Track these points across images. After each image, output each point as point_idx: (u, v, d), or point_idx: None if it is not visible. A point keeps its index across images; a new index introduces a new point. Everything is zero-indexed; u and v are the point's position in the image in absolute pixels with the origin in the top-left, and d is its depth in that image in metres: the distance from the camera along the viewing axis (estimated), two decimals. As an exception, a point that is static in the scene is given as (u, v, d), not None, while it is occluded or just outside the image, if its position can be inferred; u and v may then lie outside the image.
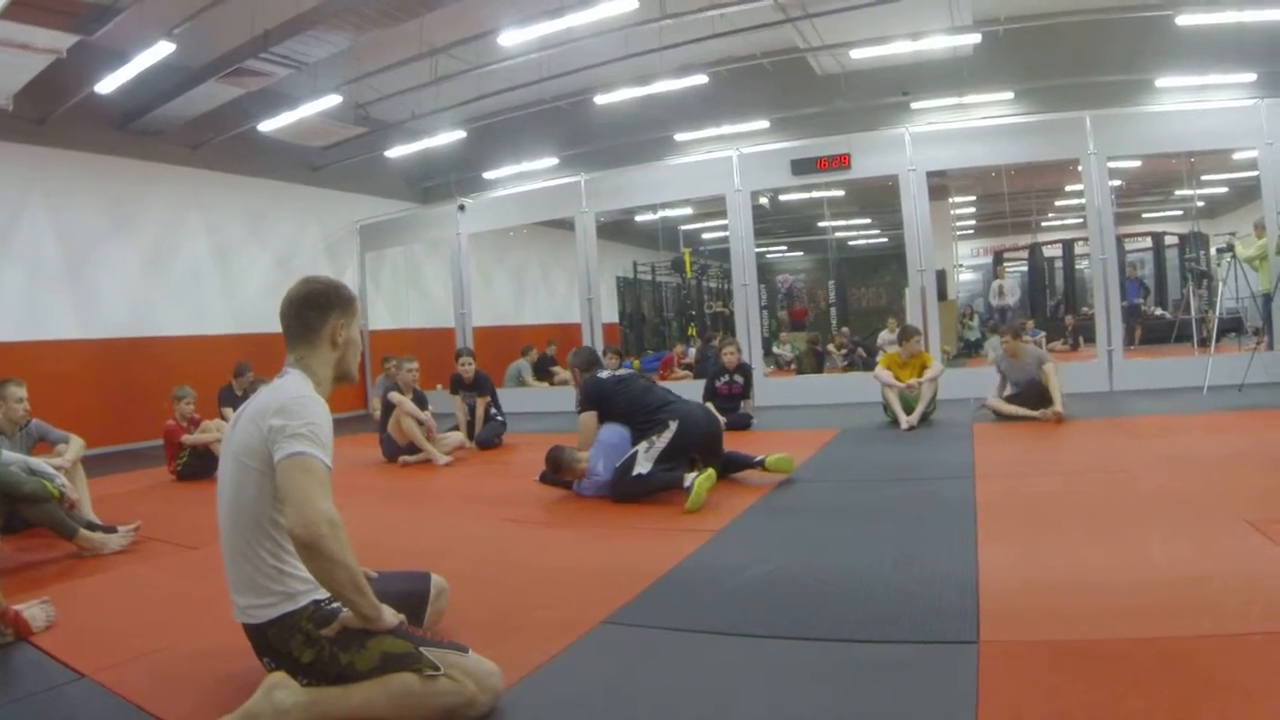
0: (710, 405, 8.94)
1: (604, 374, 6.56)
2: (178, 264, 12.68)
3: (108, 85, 10.14)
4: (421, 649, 2.48)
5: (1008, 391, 8.58)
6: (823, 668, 2.76)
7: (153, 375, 11.31)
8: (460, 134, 14.39)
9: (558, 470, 6.21)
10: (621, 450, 5.87)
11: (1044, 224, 19.66)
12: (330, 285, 2.81)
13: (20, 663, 3.26)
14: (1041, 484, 5.49)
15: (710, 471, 5.56)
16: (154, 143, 12.13)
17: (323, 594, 2.53)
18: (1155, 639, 2.72)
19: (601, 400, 6.29)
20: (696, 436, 5.98)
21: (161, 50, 9.30)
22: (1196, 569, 3.42)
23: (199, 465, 7.97)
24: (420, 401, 8.71)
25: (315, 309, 2.74)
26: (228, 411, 9.01)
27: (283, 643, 2.51)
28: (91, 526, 5.18)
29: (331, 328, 2.75)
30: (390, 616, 2.50)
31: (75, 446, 5.90)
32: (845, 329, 17.14)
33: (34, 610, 3.56)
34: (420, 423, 8.41)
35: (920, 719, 2.36)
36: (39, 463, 5.32)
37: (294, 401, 2.52)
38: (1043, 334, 15.87)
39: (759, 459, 6.13)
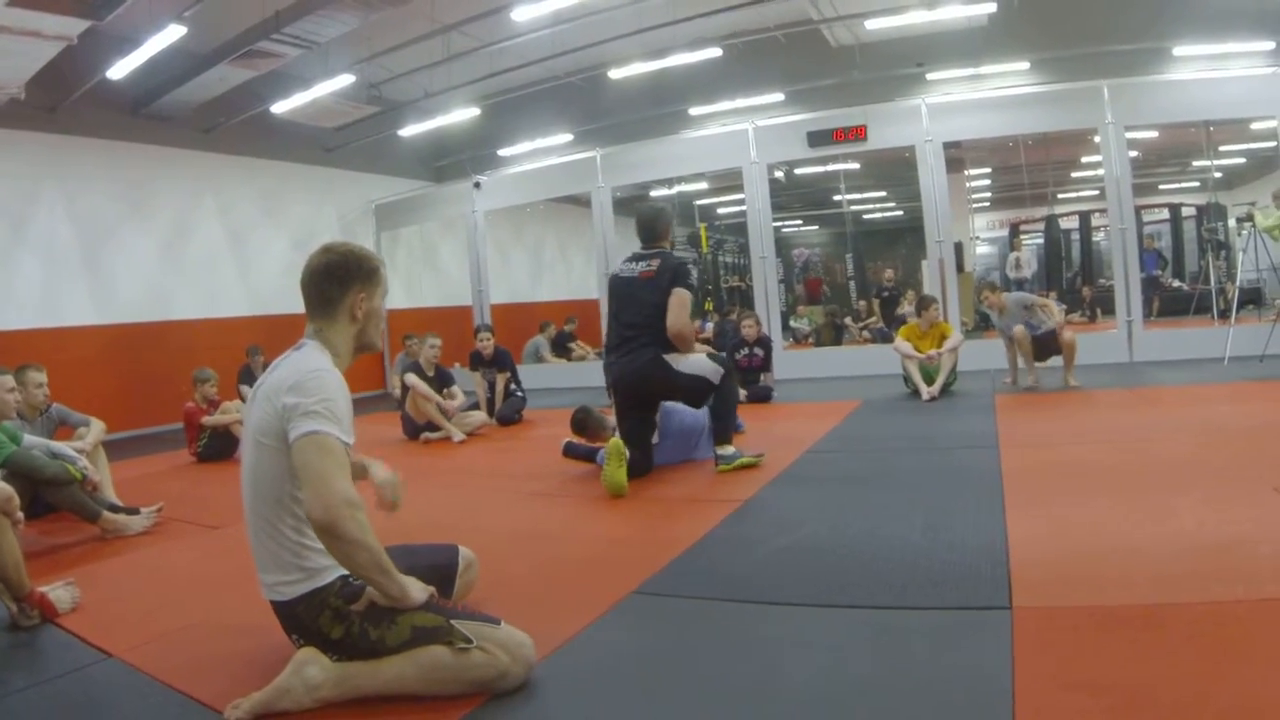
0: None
1: (621, 268, 5.75)
2: (193, 248, 12.68)
3: (119, 71, 10.10)
4: (453, 622, 2.44)
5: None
6: (857, 635, 2.74)
7: (170, 359, 11.34)
8: (474, 112, 14.28)
9: (583, 432, 6.15)
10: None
11: (1060, 196, 19.48)
12: (351, 255, 2.66)
13: (47, 644, 3.26)
14: (1066, 453, 5.44)
15: (615, 443, 5.16)
16: (166, 127, 12.09)
17: (349, 568, 2.50)
18: (1189, 604, 2.70)
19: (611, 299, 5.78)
20: (626, 394, 5.60)
21: (172, 34, 9.23)
22: (1227, 535, 3.38)
23: (219, 447, 7.99)
24: (444, 378, 8.70)
25: (335, 282, 2.62)
26: (245, 390, 9.05)
27: (312, 619, 2.47)
28: (114, 509, 5.19)
29: (352, 301, 2.64)
30: (418, 592, 2.46)
31: (96, 430, 5.94)
32: (864, 302, 17.13)
33: (59, 592, 3.55)
34: (432, 401, 8.40)
35: (957, 684, 2.33)
36: (61, 446, 5.35)
37: (308, 377, 2.44)
38: (1063, 307, 15.74)
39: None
